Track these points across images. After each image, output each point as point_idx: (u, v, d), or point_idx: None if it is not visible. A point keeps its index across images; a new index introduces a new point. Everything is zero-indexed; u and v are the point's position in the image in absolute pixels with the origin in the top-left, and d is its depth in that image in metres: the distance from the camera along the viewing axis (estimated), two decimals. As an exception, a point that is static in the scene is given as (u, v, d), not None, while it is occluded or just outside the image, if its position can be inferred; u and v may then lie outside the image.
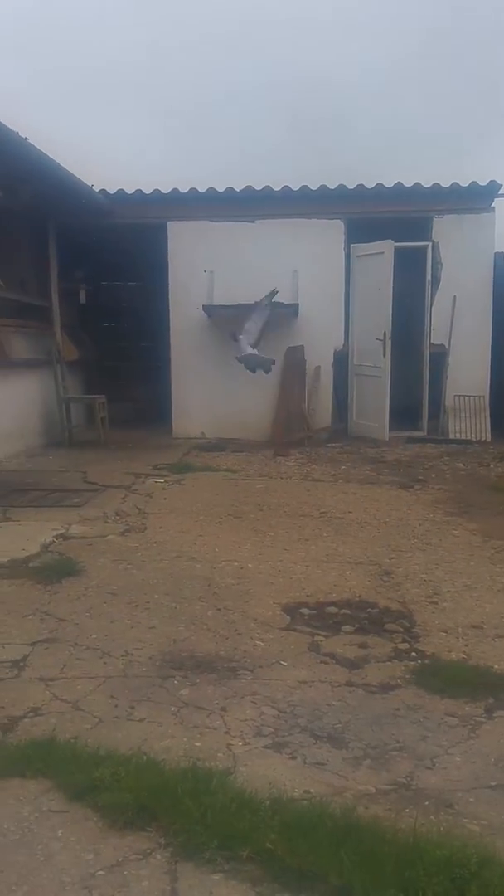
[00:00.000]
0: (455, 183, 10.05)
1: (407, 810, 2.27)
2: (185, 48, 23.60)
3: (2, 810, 2.23)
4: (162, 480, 7.40)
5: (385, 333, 9.82)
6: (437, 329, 10.36)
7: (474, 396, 10.28)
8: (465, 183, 10.03)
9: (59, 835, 2.13)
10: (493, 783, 2.44)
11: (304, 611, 3.96)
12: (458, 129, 21.70)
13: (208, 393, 10.46)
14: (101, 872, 1.98)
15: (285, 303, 10.09)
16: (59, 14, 23.71)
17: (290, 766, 2.52)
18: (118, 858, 2.02)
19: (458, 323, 10.21)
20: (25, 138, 7.54)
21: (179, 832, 2.08)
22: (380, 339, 9.86)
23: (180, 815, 2.11)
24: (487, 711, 2.92)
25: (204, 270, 10.20)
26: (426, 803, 2.32)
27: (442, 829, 2.15)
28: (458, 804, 2.33)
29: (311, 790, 2.37)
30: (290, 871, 1.94)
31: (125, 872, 1.98)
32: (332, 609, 3.99)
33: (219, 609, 3.95)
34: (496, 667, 3.31)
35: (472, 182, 10.02)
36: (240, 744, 2.64)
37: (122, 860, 2.02)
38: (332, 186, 10.20)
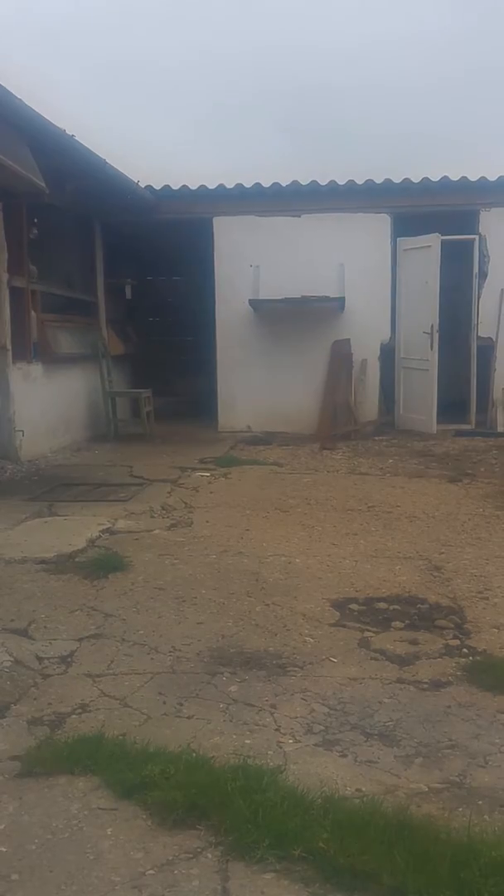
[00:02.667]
0: (502, 176, 9.85)
1: (460, 809, 2.23)
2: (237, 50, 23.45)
3: (51, 808, 2.23)
4: (208, 474, 7.39)
5: (432, 326, 9.69)
6: (484, 322, 10.19)
7: (523, 389, 10.06)
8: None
9: (109, 833, 2.12)
10: (548, 783, 2.36)
11: (354, 606, 3.92)
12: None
13: (254, 386, 10.44)
14: (150, 871, 1.96)
15: (332, 296, 10.01)
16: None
17: (342, 764, 2.48)
18: (168, 857, 2.01)
19: (506, 315, 9.99)
20: (73, 136, 7.59)
21: (230, 831, 2.05)
22: (427, 333, 9.73)
23: (231, 814, 2.09)
24: (541, 709, 2.84)
25: (250, 265, 10.16)
26: (480, 802, 2.27)
27: (497, 829, 2.10)
28: (514, 804, 2.26)
29: (363, 788, 2.33)
30: (343, 871, 1.91)
31: (175, 871, 1.96)
32: (382, 605, 3.93)
33: (267, 604, 3.92)
34: (550, 664, 3.21)
35: (520, 175, 9.81)
36: (290, 741, 2.61)
37: (173, 859, 2.00)
38: (378, 181, 10.07)
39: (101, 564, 4.47)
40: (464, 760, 2.51)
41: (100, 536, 5.14)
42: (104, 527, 5.35)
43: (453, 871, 1.85)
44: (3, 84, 6.06)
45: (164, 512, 5.88)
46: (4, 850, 2.06)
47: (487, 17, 22.47)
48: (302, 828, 2.03)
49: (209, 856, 2.01)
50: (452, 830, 2.06)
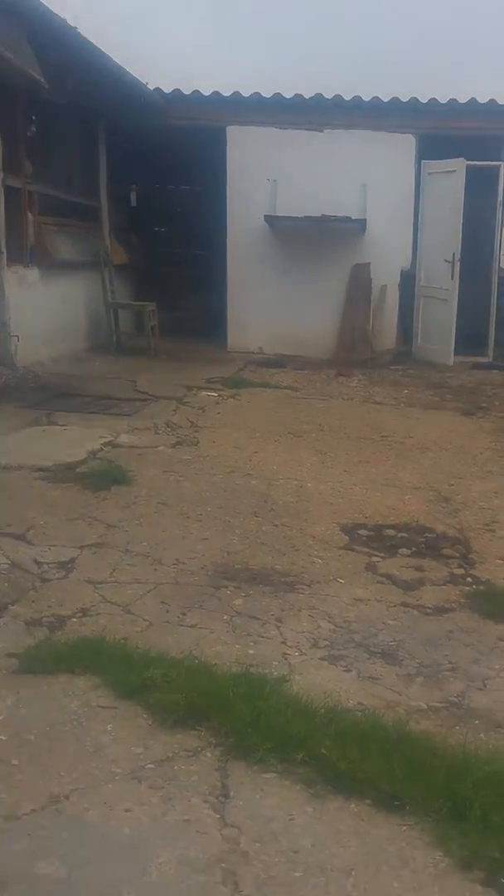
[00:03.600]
0: (531, 101, 9.43)
1: (457, 727, 2.28)
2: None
3: (50, 704, 2.24)
4: (216, 394, 7.25)
5: (454, 255, 9.43)
6: (507, 253, 9.89)
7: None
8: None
9: (109, 729, 2.14)
10: (543, 708, 2.41)
11: (363, 532, 3.92)
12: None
13: (268, 306, 10.15)
14: (150, 766, 2.00)
15: (353, 217, 9.71)
16: None
17: (345, 679, 2.52)
18: (168, 754, 2.04)
19: (530, 247, 9.74)
20: (75, 28, 7.14)
21: (231, 733, 2.09)
22: (448, 261, 9.48)
23: (232, 718, 2.12)
24: (541, 638, 2.87)
25: (267, 179, 9.77)
26: (476, 722, 2.33)
27: (491, 746, 2.16)
28: (509, 726, 2.30)
29: (365, 702, 2.38)
30: (344, 776, 1.96)
31: (175, 767, 2.00)
32: (390, 532, 3.93)
33: (275, 525, 3.90)
34: (552, 595, 3.23)
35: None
36: (296, 654, 2.64)
37: (172, 756, 2.03)
38: (404, 99, 9.68)
39: (103, 476, 4.40)
40: (463, 682, 2.57)
41: (101, 449, 5.04)
42: (106, 440, 5.24)
43: (448, 782, 1.92)
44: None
45: (168, 429, 5.78)
46: (3, 738, 2.08)
47: None
48: (305, 735, 2.07)
49: (209, 755, 2.04)
50: (448, 746, 2.11)
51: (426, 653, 2.73)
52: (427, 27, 19.45)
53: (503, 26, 20.67)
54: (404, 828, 1.83)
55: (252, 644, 2.67)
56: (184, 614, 2.87)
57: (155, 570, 3.26)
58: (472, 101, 9.62)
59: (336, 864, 1.71)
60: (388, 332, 10.25)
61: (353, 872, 1.69)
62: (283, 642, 2.71)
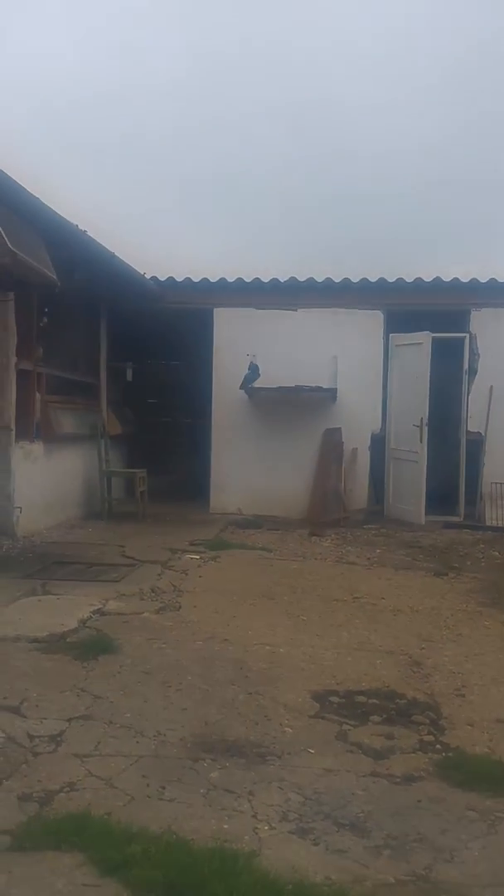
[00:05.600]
0: (493, 279, 10.39)
1: None
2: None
3: (38, 883, 2.35)
4: (198, 557, 7.56)
5: (422, 419, 10.02)
6: (473, 417, 10.55)
7: (511, 484, 10.34)
8: (502, 279, 10.37)
9: (92, 910, 2.24)
10: (510, 880, 2.48)
11: (334, 699, 4.04)
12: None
13: (246, 470, 10.74)
14: None
15: (324, 387, 10.41)
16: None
17: (313, 852, 2.59)
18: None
19: (494, 412, 10.40)
20: (85, 231, 8.08)
21: None
22: (417, 425, 10.05)
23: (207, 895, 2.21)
24: (508, 807, 2.95)
25: (247, 354, 10.60)
26: None
27: None
28: (476, 901, 2.38)
29: (333, 877, 2.44)
30: None
31: None
32: (362, 698, 4.05)
33: (250, 693, 4.05)
34: (519, 762, 3.33)
35: (509, 277, 10.34)
36: (265, 828, 2.73)
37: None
38: (372, 279, 10.60)
39: (92, 646, 4.63)
40: (430, 854, 2.61)
41: (91, 617, 5.29)
42: (95, 607, 5.50)
43: None
44: (24, 187, 6.55)
45: (153, 594, 6.03)
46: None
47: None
48: (273, 912, 2.15)
49: (185, 935, 2.13)
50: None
51: (394, 824, 2.77)
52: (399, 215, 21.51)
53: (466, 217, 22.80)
54: None
55: (226, 818, 2.77)
56: (163, 788, 2.99)
57: (137, 742, 3.40)
58: (437, 279, 10.48)
59: None
60: (360, 492, 10.72)
61: None
62: (254, 816, 2.80)
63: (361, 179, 23.03)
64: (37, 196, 6.86)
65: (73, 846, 2.50)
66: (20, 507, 7.91)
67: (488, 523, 10.23)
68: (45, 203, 7.04)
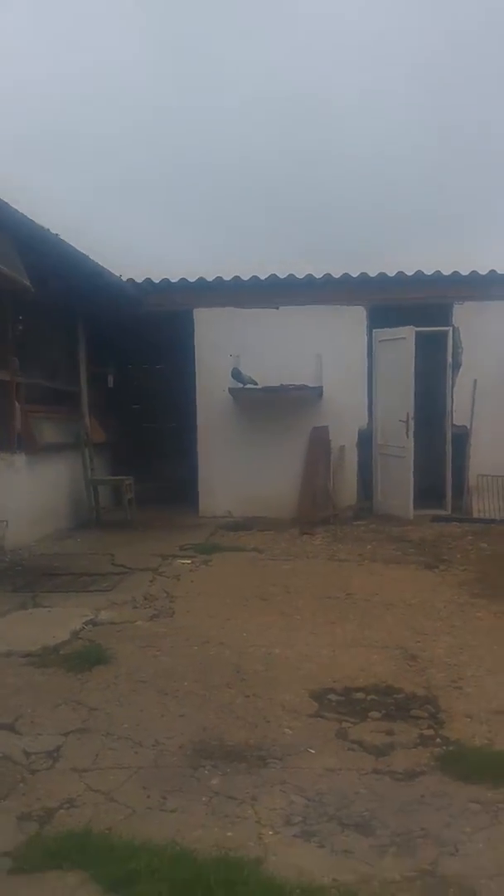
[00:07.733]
0: (474, 272, 10.36)
1: None
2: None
3: (42, 904, 2.32)
4: (189, 562, 7.52)
5: (408, 415, 10.02)
6: (458, 410, 10.55)
7: (497, 476, 10.37)
8: (484, 272, 10.36)
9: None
10: (515, 870, 2.48)
11: (332, 697, 4.03)
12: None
13: (234, 472, 10.68)
14: None
15: (310, 385, 10.38)
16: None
17: (319, 855, 2.58)
18: None
19: (479, 404, 10.41)
20: (56, 234, 7.96)
21: None
22: (403, 421, 10.06)
23: (214, 907, 2.20)
24: (510, 797, 2.95)
25: (230, 354, 10.50)
26: (450, 890, 2.39)
27: None
28: (482, 892, 2.39)
29: (339, 878, 2.44)
30: None
31: None
32: (360, 695, 4.05)
33: (247, 696, 4.03)
34: (519, 752, 3.33)
35: (491, 271, 10.36)
36: (270, 833, 2.71)
37: None
38: (354, 275, 10.55)
39: (85, 657, 4.57)
40: (435, 849, 2.61)
41: (83, 628, 5.24)
42: (87, 618, 5.45)
43: None
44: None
45: (145, 602, 5.98)
46: None
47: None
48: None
49: None
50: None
51: (398, 821, 2.77)
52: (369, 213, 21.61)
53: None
54: None
55: (230, 825, 2.75)
56: (164, 798, 2.95)
57: (136, 752, 3.36)
58: (419, 273, 10.43)
59: None
60: (348, 489, 10.71)
61: None
62: (257, 821, 2.78)
63: (342, 178, 23.06)
64: (4, 199, 6.70)
65: (75, 865, 2.47)
66: (6, 521, 7.83)
67: (475, 515, 10.27)
68: (14, 206, 6.85)
